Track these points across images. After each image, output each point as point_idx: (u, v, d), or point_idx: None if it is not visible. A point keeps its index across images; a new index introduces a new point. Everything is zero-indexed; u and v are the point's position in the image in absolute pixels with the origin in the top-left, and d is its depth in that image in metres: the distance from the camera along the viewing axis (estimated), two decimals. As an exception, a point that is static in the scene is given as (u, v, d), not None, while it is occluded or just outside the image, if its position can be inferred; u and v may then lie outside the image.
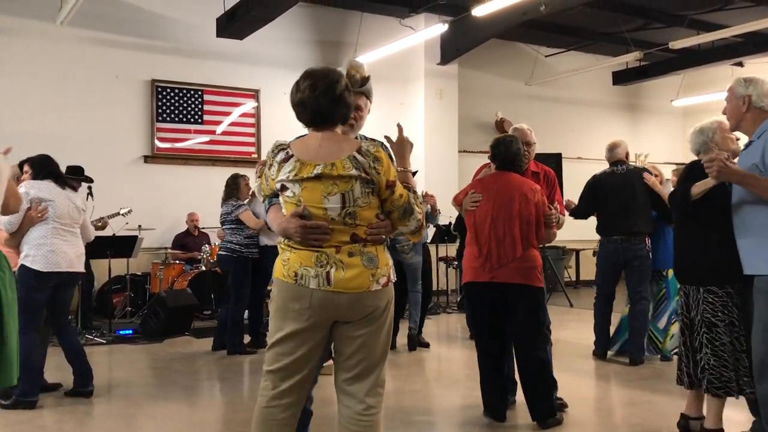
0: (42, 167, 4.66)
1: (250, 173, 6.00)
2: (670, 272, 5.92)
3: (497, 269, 3.97)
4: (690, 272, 3.72)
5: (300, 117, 2.54)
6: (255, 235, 6.46)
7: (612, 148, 5.99)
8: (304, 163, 2.44)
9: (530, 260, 3.99)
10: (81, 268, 4.78)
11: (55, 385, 4.96)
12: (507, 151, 4.10)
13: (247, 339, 6.62)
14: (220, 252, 6.64)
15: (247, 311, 6.71)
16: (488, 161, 4.33)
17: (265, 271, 5.92)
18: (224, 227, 6.56)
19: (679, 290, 3.83)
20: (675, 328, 5.87)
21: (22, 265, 4.45)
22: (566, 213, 4.87)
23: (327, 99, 2.45)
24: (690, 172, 3.70)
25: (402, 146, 2.74)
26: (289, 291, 2.47)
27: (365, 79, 2.73)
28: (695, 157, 3.79)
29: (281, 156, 2.51)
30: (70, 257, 4.63)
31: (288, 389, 2.53)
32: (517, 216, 3.97)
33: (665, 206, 5.82)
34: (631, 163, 6.07)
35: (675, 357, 5.89)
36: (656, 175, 6.03)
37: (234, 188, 6.52)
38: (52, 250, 4.51)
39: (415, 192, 2.60)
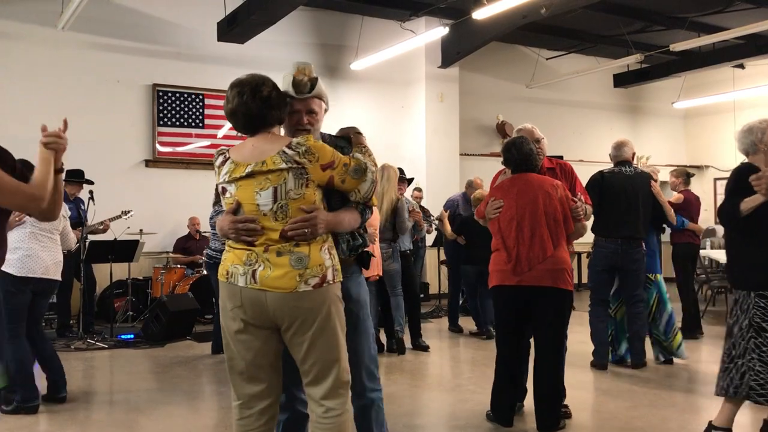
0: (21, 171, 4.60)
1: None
2: (658, 276, 5.96)
3: (527, 272, 3.88)
4: (741, 277, 3.57)
5: (236, 127, 2.62)
6: None
7: (618, 147, 5.79)
8: (238, 164, 2.52)
9: (560, 262, 3.90)
10: (57, 276, 4.67)
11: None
12: (520, 153, 4.01)
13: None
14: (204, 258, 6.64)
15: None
16: (502, 168, 4.26)
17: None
18: (212, 231, 6.54)
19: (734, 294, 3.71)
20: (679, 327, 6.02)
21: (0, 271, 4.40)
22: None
23: (256, 102, 2.51)
24: (738, 181, 3.48)
25: (349, 131, 2.98)
26: (224, 289, 2.55)
27: (314, 81, 2.67)
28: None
29: (220, 160, 2.62)
30: (46, 263, 4.56)
31: (255, 397, 2.57)
32: (543, 214, 3.89)
33: (662, 214, 6.01)
34: (636, 166, 5.95)
35: (680, 360, 5.92)
36: (654, 180, 6.07)
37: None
38: (28, 254, 4.47)
39: (365, 150, 2.68)
